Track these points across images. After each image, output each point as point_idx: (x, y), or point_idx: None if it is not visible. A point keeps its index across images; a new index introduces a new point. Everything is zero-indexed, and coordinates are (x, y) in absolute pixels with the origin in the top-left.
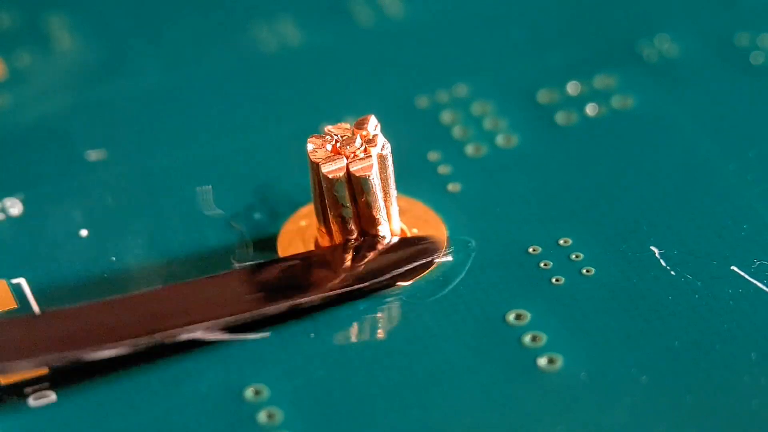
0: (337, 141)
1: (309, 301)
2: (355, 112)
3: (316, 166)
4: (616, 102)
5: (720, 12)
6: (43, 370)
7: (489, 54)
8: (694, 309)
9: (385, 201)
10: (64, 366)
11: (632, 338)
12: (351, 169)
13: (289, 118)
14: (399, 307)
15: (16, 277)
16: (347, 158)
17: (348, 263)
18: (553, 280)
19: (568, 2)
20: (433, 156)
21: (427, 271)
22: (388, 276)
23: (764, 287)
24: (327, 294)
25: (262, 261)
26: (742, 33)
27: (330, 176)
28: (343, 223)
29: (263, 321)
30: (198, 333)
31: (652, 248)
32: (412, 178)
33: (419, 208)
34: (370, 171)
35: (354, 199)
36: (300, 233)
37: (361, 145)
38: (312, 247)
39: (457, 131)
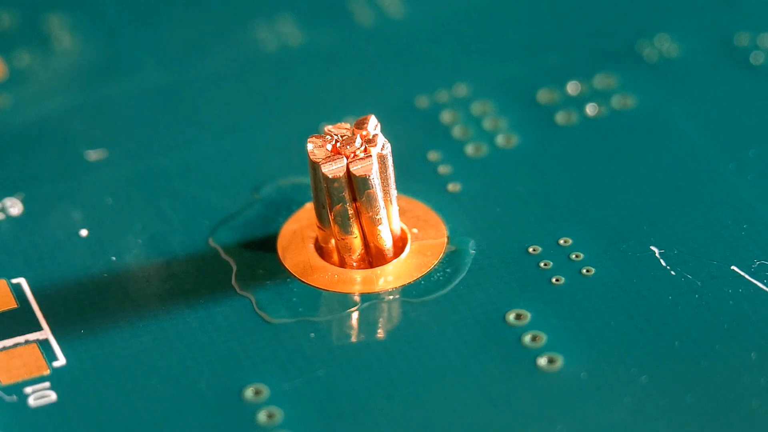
0: (337, 141)
1: None
2: (355, 112)
3: (316, 166)
4: (616, 102)
5: (720, 12)
6: (44, 370)
7: (489, 54)
8: (694, 309)
9: (385, 201)
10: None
11: (632, 338)
12: (351, 169)
13: (289, 118)
14: (399, 307)
15: (16, 277)
16: (347, 158)
17: None
18: (553, 280)
19: (569, 2)
20: (433, 156)
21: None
22: None
23: (764, 287)
24: None
25: None
26: (742, 33)
27: (330, 176)
28: (343, 223)
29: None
30: None
31: (652, 248)
32: (412, 178)
33: (419, 208)
34: (370, 171)
35: (354, 199)
36: (300, 233)
37: (361, 145)
38: (312, 247)
39: (457, 131)
